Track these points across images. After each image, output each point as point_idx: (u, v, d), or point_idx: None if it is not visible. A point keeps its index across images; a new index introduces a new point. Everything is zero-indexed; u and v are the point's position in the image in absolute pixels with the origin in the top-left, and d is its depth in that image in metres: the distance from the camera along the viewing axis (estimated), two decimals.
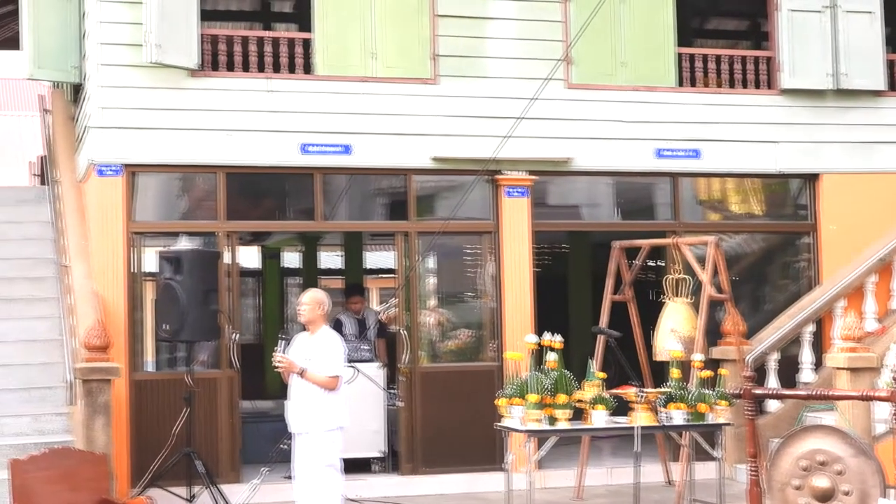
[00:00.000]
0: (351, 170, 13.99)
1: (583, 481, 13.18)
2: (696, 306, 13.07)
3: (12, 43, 19.13)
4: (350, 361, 13.03)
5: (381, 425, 13.86)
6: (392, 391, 14.08)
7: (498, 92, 14.11)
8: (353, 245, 19.97)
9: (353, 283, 17.34)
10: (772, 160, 15.01)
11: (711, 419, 11.47)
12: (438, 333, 14.42)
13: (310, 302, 10.41)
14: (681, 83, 14.88)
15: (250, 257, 21.72)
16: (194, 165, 13.50)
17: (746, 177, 15.30)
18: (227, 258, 13.44)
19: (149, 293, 13.77)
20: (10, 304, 13.81)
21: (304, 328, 10.52)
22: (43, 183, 17.13)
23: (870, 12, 15.29)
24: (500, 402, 11.17)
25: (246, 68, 13.75)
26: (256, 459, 12.98)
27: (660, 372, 13.47)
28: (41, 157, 17.69)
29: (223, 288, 13.22)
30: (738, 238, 15.95)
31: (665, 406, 11.37)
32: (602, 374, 11.54)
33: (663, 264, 15.52)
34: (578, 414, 11.32)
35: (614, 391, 11.47)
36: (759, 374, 13.70)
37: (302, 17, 17.26)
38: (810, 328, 14.60)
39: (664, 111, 14.66)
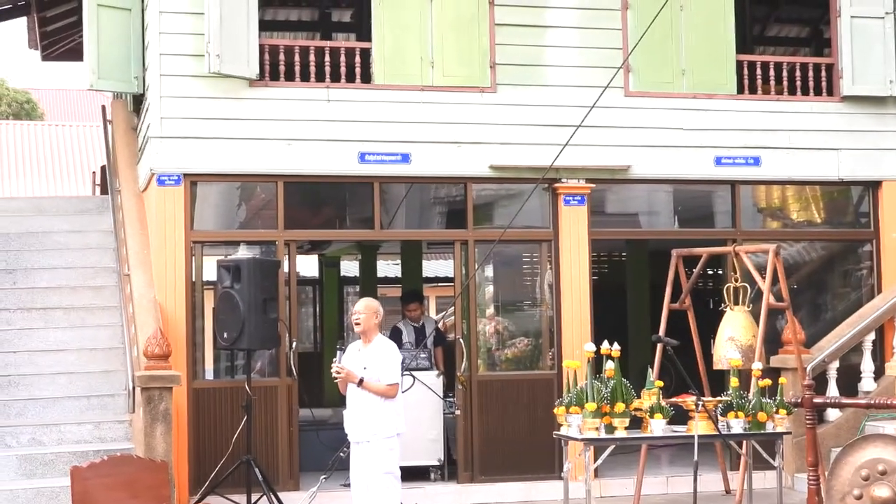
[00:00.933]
0: (409, 178, 14.03)
1: (641, 490, 13.12)
2: (755, 315, 12.99)
3: (75, 54, 19.34)
4: (408, 369, 13.08)
5: (439, 433, 13.86)
6: (450, 399, 14.08)
7: (556, 100, 14.09)
8: (412, 253, 20.00)
9: (410, 289, 17.35)
10: (833, 167, 14.89)
11: (771, 428, 11.40)
12: (496, 342, 14.42)
13: (365, 311, 10.39)
14: (741, 90, 14.80)
15: (309, 266, 21.83)
16: (253, 175, 13.58)
17: (807, 184, 15.20)
18: (285, 267, 13.50)
19: (208, 302, 13.86)
20: (72, 312, 13.98)
21: (359, 337, 10.55)
22: (104, 193, 17.31)
23: None
24: (558, 411, 11.15)
25: (305, 78, 13.81)
26: (314, 467, 13.04)
27: (719, 381, 13.40)
28: (103, 167, 17.86)
29: (282, 296, 13.28)
30: (798, 246, 15.86)
31: (724, 415, 11.32)
32: (660, 383, 11.50)
33: (722, 272, 15.44)
34: (636, 422, 11.29)
35: (672, 400, 11.44)
36: (819, 383, 13.59)
37: (360, 26, 17.36)
38: (871, 336, 14.45)
39: (724, 119, 14.59)
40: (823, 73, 15.12)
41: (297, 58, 13.86)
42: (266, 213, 13.84)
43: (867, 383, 14.35)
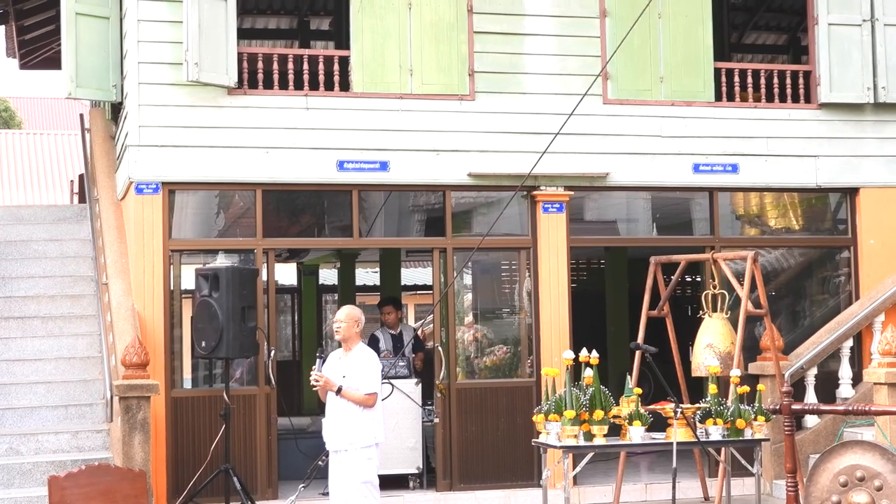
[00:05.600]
0: (388, 186, 14.02)
1: (619, 497, 13.12)
2: (733, 322, 13.01)
3: (53, 62, 19.30)
4: (386, 377, 13.06)
5: (418, 441, 13.84)
6: (428, 407, 14.07)
7: (535, 108, 14.11)
8: (390, 261, 19.99)
9: (387, 295, 17.34)
10: (811, 174, 14.93)
11: (749, 435, 11.42)
12: (475, 349, 14.42)
13: (346, 319, 10.39)
14: (719, 98, 14.83)
15: (287, 274, 21.80)
16: (232, 183, 13.55)
17: (785, 191, 15.23)
18: (264, 275, 13.47)
19: (187, 310, 13.84)
20: (50, 321, 13.92)
21: (339, 345, 10.53)
22: (82, 201, 17.26)
23: None
24: (537, 419, 11.15)
25: (283, 86, 13.80)
26: (293, 476, 13.03)
27: (697, 388, 13.42)
28: (81, 176, 17.81)
29: (260, 305, 13.26)
30: (776, 253, 15.90)
31: (702, 422, 11.33)
32: (638, 390, 11.51)
33: (701, 279, 15.46)
34: (615, 430, 11.30)
35: (651, 407, 11.45)
36: (798, 390, 13.62)
37: (339, 34, 17.37)
38: (849, 343, 14.50)
39: (702, 126, 14.62)
40: (801, 81, 15.16)
41: (275, 66, 13.86)
42: (244, 221, 13.82)
43: (845, 390, 14.39)
